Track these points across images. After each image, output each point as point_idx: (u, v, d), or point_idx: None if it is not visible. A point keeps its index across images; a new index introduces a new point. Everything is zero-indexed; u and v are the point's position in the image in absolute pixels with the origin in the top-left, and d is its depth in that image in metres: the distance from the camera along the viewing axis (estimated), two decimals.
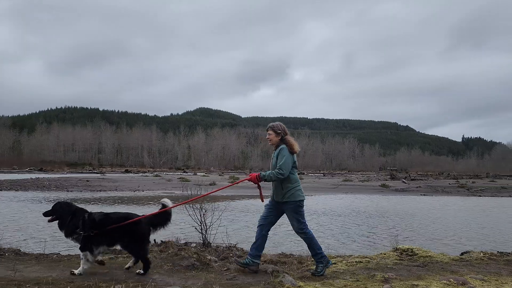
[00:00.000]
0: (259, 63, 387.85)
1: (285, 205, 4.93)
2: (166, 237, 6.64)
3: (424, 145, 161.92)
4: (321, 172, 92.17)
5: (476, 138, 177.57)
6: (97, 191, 28.17)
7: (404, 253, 5.29)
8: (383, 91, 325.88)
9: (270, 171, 4.88)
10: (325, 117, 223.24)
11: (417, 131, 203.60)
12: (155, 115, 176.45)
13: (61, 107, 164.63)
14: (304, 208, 5.02)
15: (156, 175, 46.59)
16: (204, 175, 49.39)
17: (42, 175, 45.78)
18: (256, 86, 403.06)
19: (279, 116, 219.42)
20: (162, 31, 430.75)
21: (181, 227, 10.30)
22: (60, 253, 6.30)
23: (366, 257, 5.16)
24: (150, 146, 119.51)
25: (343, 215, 15.86)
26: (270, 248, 6.65)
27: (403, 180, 48.69)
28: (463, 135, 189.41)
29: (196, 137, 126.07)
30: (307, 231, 4.95)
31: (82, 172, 60.61)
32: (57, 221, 4.72)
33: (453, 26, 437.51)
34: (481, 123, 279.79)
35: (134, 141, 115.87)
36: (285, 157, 4.85)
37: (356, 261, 5.00)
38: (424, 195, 33.32)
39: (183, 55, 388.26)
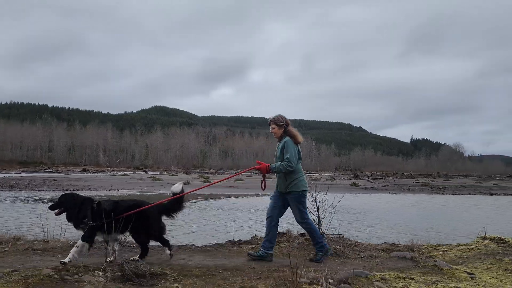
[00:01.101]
0: (220, 62, 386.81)
1: (289, 195, 5.00)
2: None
3: (376, 145, 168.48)
4: None
5: (423, 139, 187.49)
6: (71, 190, 27.01)
7: (496, 240, 5.62)
8: (339, 93, 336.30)
9: (279, 163, 4.96)
10: None
11: (369, 132, 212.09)
12: (108, 112, 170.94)
13: (6, 103, 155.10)
14: (306, 198, 5.13)
15: (124, 174, 45.25)
16: (172, 175, 48.50)
17: None
18: (215, 85, 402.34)
19: (236, 115, 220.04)
20: (122, 26, 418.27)
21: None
22: (206, 245, 6.37)
23: (469, 245, 5.43)
24: (106, 144, 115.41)
25: (371, 212, 16.56)
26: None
27: (368, 179, 50.54)
28: (411, 136, 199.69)
29: (154, 135, 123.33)
30: (308, 221, 5.06)
31: (37, 171, 57.49)
32: (65, 213, 4.61)
33: (408, 32, 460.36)
34: (428, 125, 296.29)
35: (88, 140, 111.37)
36: (291, 150, 4.96)
37: (468, 248, 5.23)
38: (393, 193, 34.84)
39: (142, 52, 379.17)
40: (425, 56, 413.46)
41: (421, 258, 4.55)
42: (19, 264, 4.48)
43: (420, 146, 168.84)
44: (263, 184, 5.17)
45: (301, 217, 5.00)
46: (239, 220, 12.84)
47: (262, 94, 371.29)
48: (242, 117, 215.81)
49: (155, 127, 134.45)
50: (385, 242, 6.02)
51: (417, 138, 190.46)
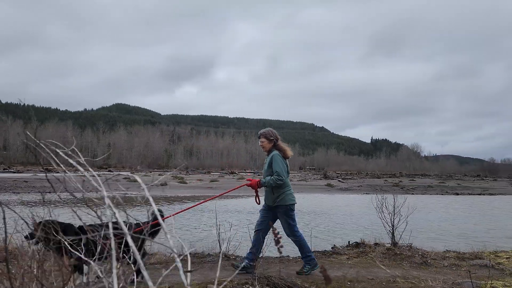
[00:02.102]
0: (185, 60, 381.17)
1: (277, 209, 5.05)
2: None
3: (338, 145, 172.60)
4: (249, 171, 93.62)
5: (383, 139, 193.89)
6: (46, 192, 26.04)
7: None
8: (303, 93, 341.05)
9: (269, 178, 4.98)
10: (246, 117, 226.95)
11: (331, 132, 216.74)
12: (66, 110, 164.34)
13: None
14: (295, 212, 5.14)
15: (93, 176, 43.64)
16: (145, 175, 47.54)
17: None
18: (179, 84, 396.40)
19: (200, 114, 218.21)
20: (84, 21, 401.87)
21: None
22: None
23: None
24: (66, 143, 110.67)
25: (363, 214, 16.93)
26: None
27: (339, 179, 51.76)
28: (371, 137, 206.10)
29: (117, 134, 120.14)
30: (298, 234, 5.07)
31: None
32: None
33: (371, 35, 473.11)
34: (388, 125, 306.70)
35: (47, 138, 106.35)
36: (278, 163, 5.01)
37: None
38: (368, 193, 35.96)
39: (105, 48, 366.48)
40: (386, 58, 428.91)
41: (504, 266, 4.88)
42: None
43: (380, 146, 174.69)
44: (257, 199, 5.21)
45: (290, 230, 5.04)
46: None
47: (227, 93, 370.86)
48: (206, 116, 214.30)
49: (118, 125, 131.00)
50: (447, 250, 6.33)
51: (377, 139, 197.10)
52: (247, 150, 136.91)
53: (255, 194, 5.20)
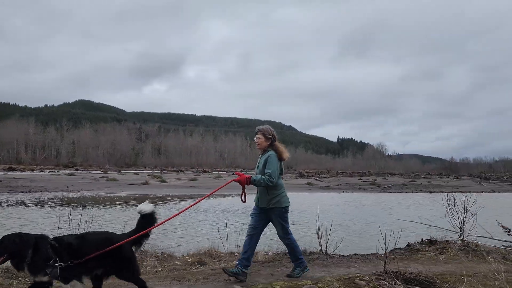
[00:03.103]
0: (154, 57, 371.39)
1: (271, 211, 4.94)
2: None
3: (306, 144, 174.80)
4: (220, 170, 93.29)
5: (349, 138, 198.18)
6: (26, 192, 25.12)
7: None
8: (272, 92, 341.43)
9: (261, 177, 4.84)
10: (214, 115, 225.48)
11: (299, 131, 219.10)
12: (26, 105, 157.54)
13: None
14: (288, 214, 5.06)
15: (71, 174, 42.32)
16: (121, 174, 46.38)
17: None
18: (148, 81, 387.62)
19: (167, 112, 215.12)
20: (50, 14, 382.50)
21: None
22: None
23: None
24: (27, 140, 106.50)
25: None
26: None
27: (316, 178, 52.57)
28: (338, 136, 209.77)
29: (82, 131, 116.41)
30: (290, 237, 5.02)
31: None
32: (10, 260, 3.56)
33: (342, 37, 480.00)
34: (354, 125, 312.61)
35: (7, 135, 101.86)
36: (273, 165, 4.86)
37: None
38: (347, 192, 36.81)
39: (71, 43, 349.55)
40: (356, 60, 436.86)
41: None
42: None
43: (346, 145, 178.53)
44: (243, 197, 4.94)
45: (284, 232, 4.97)
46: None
47: (196, 91, 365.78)
48: (173, 113, 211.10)
49: (83, 122, 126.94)
50: None
51: (343, 138, 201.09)
52: (217, 148, 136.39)
53: (242, 191, 4.94)
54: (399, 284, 3.90)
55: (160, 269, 5.60)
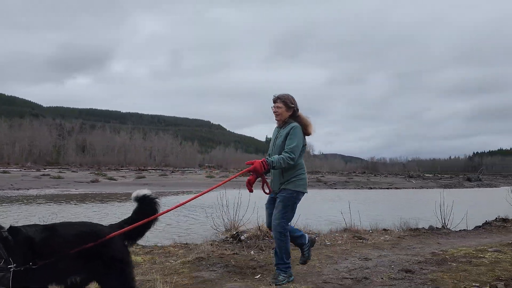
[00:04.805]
0: (79, 49, 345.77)
1: (280, 192, 4.06)
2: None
3: (236, 143, 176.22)
4: (152, 168, 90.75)
5: None
6: None
7: None
8: (202, 90, 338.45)
9: (278, 156, 3.92)
10: (140, 112, 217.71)
11: (228, 130, 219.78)
12: None
13: None
14: (298, 203, 4.11)
15: (4, 172, 38.40)
16: (60, 171, 43.32)
17: None
18: (70, 74, 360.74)
19: (89, 107, 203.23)
20: None
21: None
22: None
23: None
24: None
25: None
26: None
27: None
28: (266, 136, 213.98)
29: None
30: (286, 231, 4.03)
31: None
32: None
33: (274, 39, 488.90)
34: None
35: None
36: (298, 138, 4.02)
37: None
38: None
39: None
40: (287, 62, 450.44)
41: None
42: None
43: None
44: (265, 187, 4.04)
45: (281, 220, 3.99)
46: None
47: (122, 87, 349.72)
48: (96, 109, 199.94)
49: None
50: None
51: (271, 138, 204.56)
52: (146, 147, 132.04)
53: (262, 181, 4.00)
54: None
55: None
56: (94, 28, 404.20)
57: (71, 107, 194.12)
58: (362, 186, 44.50)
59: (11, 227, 2.54)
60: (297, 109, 4.21)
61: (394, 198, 27.06)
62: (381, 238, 6.61)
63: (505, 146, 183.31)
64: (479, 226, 8.15)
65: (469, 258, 5.03)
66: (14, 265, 2.38)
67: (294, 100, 4.21)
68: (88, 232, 2.74)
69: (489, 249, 5.60)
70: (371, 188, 41.90)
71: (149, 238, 5.72)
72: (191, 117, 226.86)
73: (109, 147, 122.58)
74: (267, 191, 4.03)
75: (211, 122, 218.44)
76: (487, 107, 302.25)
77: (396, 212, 14.41)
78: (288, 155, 3.89)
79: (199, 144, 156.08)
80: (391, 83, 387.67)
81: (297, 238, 4.28)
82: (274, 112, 4.21)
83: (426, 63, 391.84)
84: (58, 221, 2.98)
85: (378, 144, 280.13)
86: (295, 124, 4.10)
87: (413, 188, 44.17)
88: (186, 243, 5.95)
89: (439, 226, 7.81)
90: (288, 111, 4.16)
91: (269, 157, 4.13)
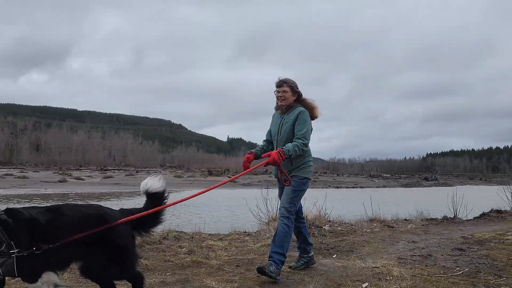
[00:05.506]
0: (35, 45, 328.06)
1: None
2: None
3: (197, 143, 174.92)
4: (116, 168, 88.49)
5: (238, 138, 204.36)
6: None
7: None
8: (164, 89, 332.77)
9: (291, 144, 3.83)
10: (98, 110, 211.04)
11: (189, 130, 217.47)
12: None
13: None
14: (305, 191, 4.10)
15: None
16: (22, 171, 41.40)
17: None
18: (24, 70, 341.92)
19: (43, 105, 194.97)
20: None
21: None
22: None
23: None
24: None
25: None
26: None
27: (228, 176, 53.70)
28: (228, 136, 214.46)
29: None
30: (291, 220, 3.93)
31: None
32: None
33: (239, 39, 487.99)
34: (243, 125, 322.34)
35: None
36: (308, 124, 3.98)
37: None
38: (268, 188, 38.71)
39: None
40: (250, 62, 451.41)
41: None
42: None
43: (236, 145, 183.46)
44: (285, 178, 3.95)
45: (289, 206, 3.92)
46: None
47: (80, 85, 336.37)
48: (50, 107, 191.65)
49: None
50: None
51: (233, 137, 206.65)
52: (105, 146, 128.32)
53: (280, 172, 3.94)
54: None
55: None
56: (54, 23, 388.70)
57: (23, 104, 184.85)
58: (329, 186, 45.65)
59: (8, 209, 2.42)
60: (301, 94, 4.16)
61: (367, 196, 28.05)
62: (408, 226, 7.15)
63: (456, 147, 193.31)
64: (478, 217, 8.89)
65: (499, 240, 5.63)
66: (17, 250, 2.28)
67: (297, 84, 4.16)
68: (94, 215, 2.63)
69: (507, 233, 6.26)
70: (338, 188, 43.12)
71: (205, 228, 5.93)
72: (151, 116, 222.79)
73: (65, 146, 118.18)
74: (288, 181, 3.89)
75: (172, 121, 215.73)
76: (440, 110, 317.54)
77: (384, 208, 15.09)
78: (302, 141, 3.85)
79: (160, 143, 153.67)
80: (352, 85, 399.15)
81: (307, 244, 4.28)
82: (279, 97, 4.08)
83: (385, 66, 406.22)
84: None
85: (338, 144, 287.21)
86: (302, 108, 4.03)
87: (377, 187, 45.94)
88: (245, 231, 6.22)
89: (451, 216, 8.48)
90: (293, 95, 4.10)
91: (266, 143, 4.30)
